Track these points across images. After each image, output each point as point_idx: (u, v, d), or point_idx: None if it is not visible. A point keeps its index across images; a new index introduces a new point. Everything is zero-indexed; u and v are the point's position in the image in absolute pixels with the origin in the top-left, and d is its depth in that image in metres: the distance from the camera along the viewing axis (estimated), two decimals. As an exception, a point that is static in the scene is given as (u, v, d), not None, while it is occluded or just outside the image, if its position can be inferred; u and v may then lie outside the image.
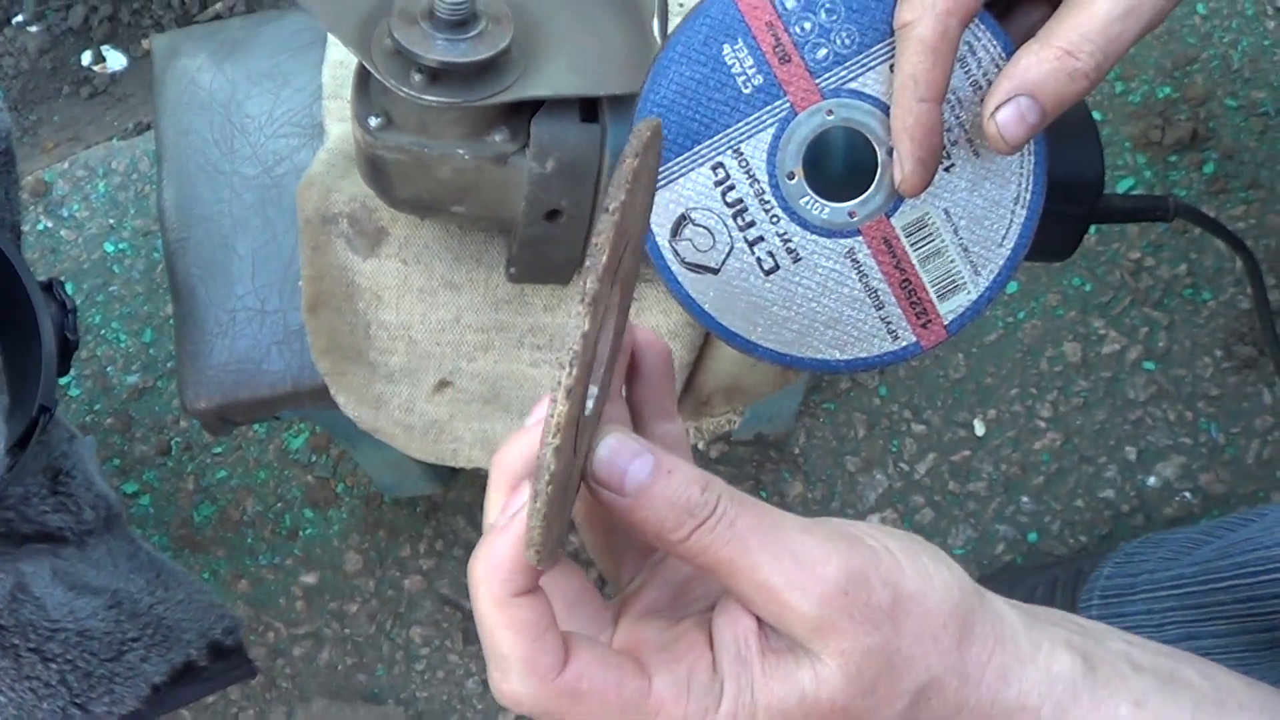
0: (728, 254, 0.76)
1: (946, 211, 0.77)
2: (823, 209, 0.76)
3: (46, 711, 0.97)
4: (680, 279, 0.76)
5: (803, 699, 0.56)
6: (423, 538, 1.57)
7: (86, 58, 1.86)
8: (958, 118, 0.75)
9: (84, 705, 0.99)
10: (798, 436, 1.57)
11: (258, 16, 1.17)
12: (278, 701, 1.53)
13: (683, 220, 0.76)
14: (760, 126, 0.75)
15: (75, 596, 1.00)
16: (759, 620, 0.57)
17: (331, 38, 1.06)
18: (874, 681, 0.56)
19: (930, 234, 0.77)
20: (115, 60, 1.86)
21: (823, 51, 0.75)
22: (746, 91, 0.75)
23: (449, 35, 0.81)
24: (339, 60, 1.07)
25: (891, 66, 0.74)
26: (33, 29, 1.87)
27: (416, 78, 0.82)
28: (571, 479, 0.54)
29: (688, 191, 0.75)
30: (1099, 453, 1.55)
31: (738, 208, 0.76)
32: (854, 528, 0.58)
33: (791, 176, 0.75)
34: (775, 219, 0.76)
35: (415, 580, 1.55)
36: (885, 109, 0.75)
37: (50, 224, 1.72)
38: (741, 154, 0.75)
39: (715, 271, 0.76)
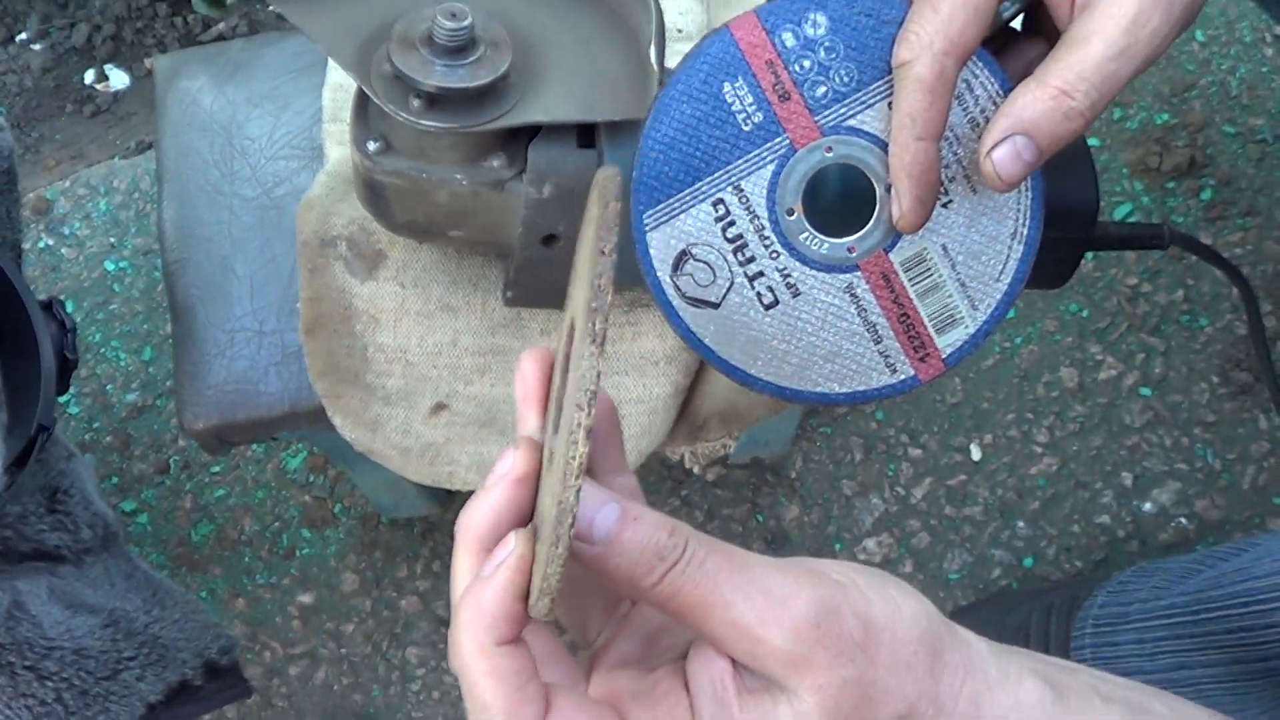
0: (728, 289, 0.77)
1: (944, 247, 0.77)
2: (822, 244, 0.76)
3: (42, 729, 0.97)
4: (681, 313, 0.77)
5: None
6: (419, 558, 1.57)
7: (89, 76, 1.87)
8: (955, 154, 0.76)
9: (79, 723, 0.99)
10: (794, 460, 1.57)
11: (259, 39, 1.17)
12: (273, 720, 1.54)
13: (684, 256, 0.76)
14: (760, 163, 0.75)
15: (72, 615, 1.01)
16: (733, 661, 0.57)
17: (331, 61, 1.07)
18: (852, 713, 0.56)
19: (928, 269, 0.77)
20: (118, 79, 1.86)
21: (822, 89, 0.75)
22: (747, 129, 0.75)
23: (447, 61, 0.81)
24: (339, 83, 1.07)
25: (890, 104, 0.74)
26: (36, 47, 1.88)
27: (415, 103, 0.82)
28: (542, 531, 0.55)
29: (689, 227, 0.76)
30: (1095, 478, 1.55)
31: (738, 243, 0.76)
32: (820, 564, 0.58)
33: (791, 212, 0.76)
34: (775, 254, 0.76)
35: (412, 601, 1.56)
36: (884, 146, 0.75)
37: (51, 242, 1.73)
38: (742, 190, 0.76)
39: (716, 306, 0.77)
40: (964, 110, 0.75)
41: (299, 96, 1.12)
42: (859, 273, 0.77)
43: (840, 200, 0.77)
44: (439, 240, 0.94)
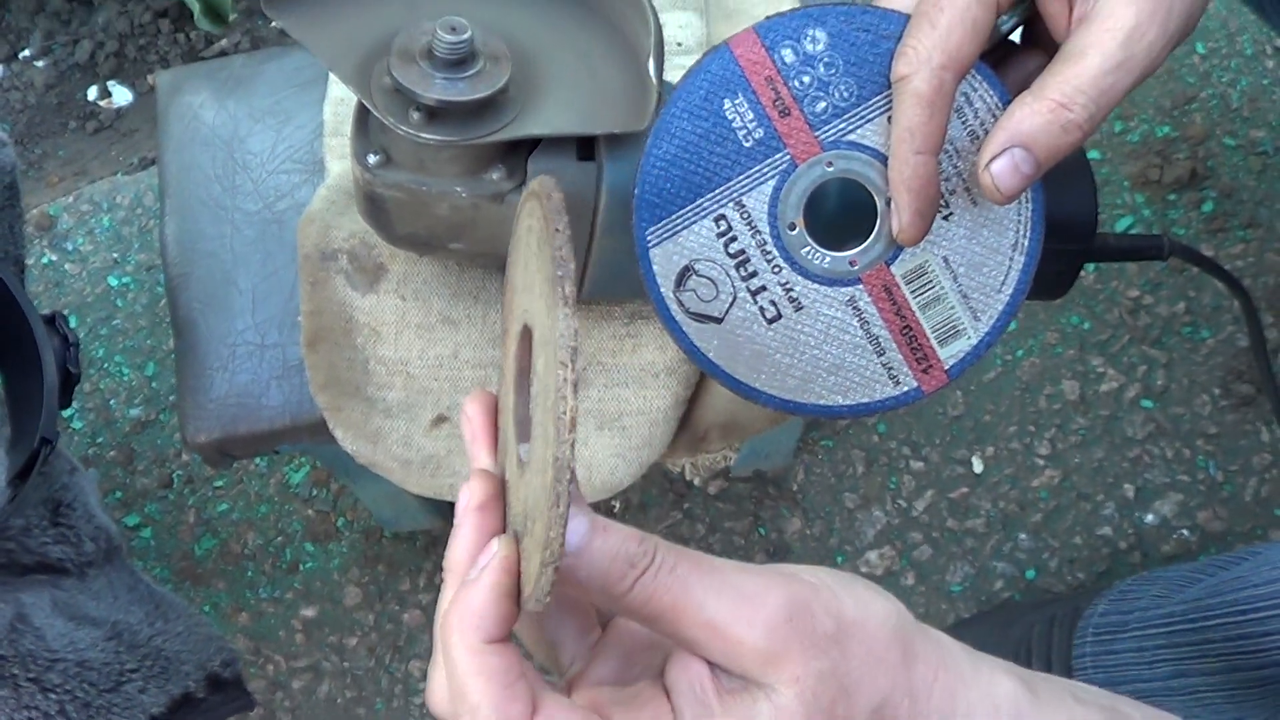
0: (731, 304, 0.77)
1: (945, 259, 0.77)
2: (824, 258, 0.77)
3: (45, 742, 0.97)
4: (684, 328, 0.77)
5: None
6: (422, 572, 1.57)
7: (92, 93, 1.87)
8: (955, 167, 0.76)
9: (82, 736, 0.99)
10: (796, 473, 1.57)
11: (260, 54, 1.18)
12: (277, 734, 1.54)
13: (686, 271, 0.76)
14: (761, 179, 0.76)
15: (75, 627, 1.01)
16: (710, 664, 0.58)
17: (332, 76, 1.07)
18: (831, 705, 0.57)
19: (930, 281, 0.78)
20: (121, 95, 1.87)
21: (822, 105, 0.75)
22: (747, 145, 0.75)
23: (447, 74, 0.81)
24: (340, 98, 1.07)
25: (889, 118, 0.74)
26: (39, 64, 1.88)
27: (415, 116, 0.82)
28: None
29: (691, 243, 0.76)
30: (1097, 490, 1.55)
31: (740, 258, 0.76)
32: (789, 567, 0.59)
33: (793, 227, 0.76)
34: (777, 269, 0.76)
35: (414, 614, 1.56)
36: (884, 160, 0.75)
37: (55, 257, 1.73)
38: (743, 206, 0.76)
39: (719, 321, 0.77)
40: (963, 123, 0.75)
41: (300, 111, 1.12)
42: (861, 286, 0.77)
43: (841, 214, 0.77)
44: (439, 253, 0.94)
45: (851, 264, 0.77)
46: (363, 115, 0.87)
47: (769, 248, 0.76)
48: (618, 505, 1.57)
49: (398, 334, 0.99)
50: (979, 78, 0.75)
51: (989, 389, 1.59)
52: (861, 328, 0.78)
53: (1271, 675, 1.07)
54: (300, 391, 1.04)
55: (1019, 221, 0.77)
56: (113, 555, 1.09)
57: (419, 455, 1.02)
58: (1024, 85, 0.72)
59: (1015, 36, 0.78)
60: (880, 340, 0.78)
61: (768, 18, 0.76)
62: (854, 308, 0.77)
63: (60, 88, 1.88)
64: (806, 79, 0.75)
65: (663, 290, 0.77)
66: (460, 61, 0.81)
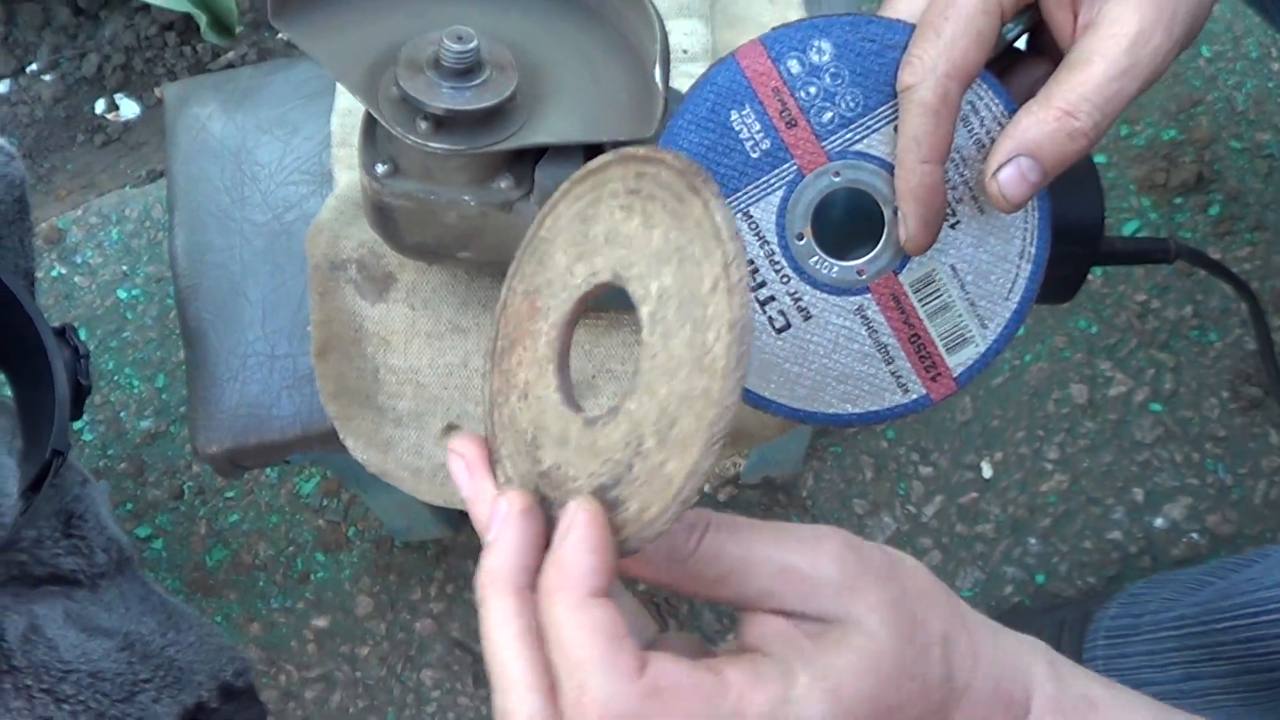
0: None
1: (953, 267, 0.78)
2: (832, 268, 0.77)
3: (59, 753, 0.98)
4: None
5: (867, 659, 0.57)
6: (433, 581, 1.57)
7: (100, 106, 1.88)
8: (962, 175, 0.76)
9: (96, 747, 1.00)
10: (805, 480, 1.58)
11: (268, 65, 1.18)
12: (289, 744, 1.54)
13: None
14: (769, 189, 0.76)
15: (88, 638, 1.01)
16: (786, 615, 0.58)
17: (340, 86, 1.08)
18: (911, 630, 0.58)
19: (937, 289, 0.78)
20: (128, 108, 1.87)
21: (828, 115, 0.76)
22: (754, 156, 0.76)
23: (454, 84, 0.82)
24: (347, 108, 1.08)
25: (896, 127, 0.75)
26: (47, 77, 1.89)
27: (422, 125, 0.83)
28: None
29: None
30: (1106, 494, 1.55)
31: (749, 269, 0.76)
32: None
33: (800, 237, 0.76)
34: (786, 279, 0.77)
35: (426, 623, 1.56)
36: (890, 169, 0.75)
37: (64, 270, 1.74)
38: (751, 216, 0.76)
39: None
40: (969, 132, 0.76)
41: (308, 122, 1.12)
42: (869, 294, 0.77)
43: (849, 223, 0.78)
44: (448, 262, 0.94)
45: (859, 273, 0.77)
46: (370, 125, 0.88)
47: (777, 258, 0.76)
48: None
49: (407, 343, 0.99)
50: (984, 86, 0.75)
51: (997, 394, 1.59)
52: (870, 336, 0.78)
53: (1283, 677, 1.08)
54: (311, 401, 1.04)
55: (1026, 229, 0.78)
56: (124, 566, 1.10)
57: (430, 464, 1.02)
58: (1030, 92, 0.73)
59: (1020, 43, 0.78)
60: (889, 348, 0.78)
61: (774, 29, 0.76)
62: (862, 316, 0.78)
63: (68, 101, 1.88)
64: (813, 89, 0.75)
65: None
66: (467, 71, 0.82)
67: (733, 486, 1.57)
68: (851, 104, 0.75)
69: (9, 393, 1.06)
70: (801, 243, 0.76)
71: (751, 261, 0.76)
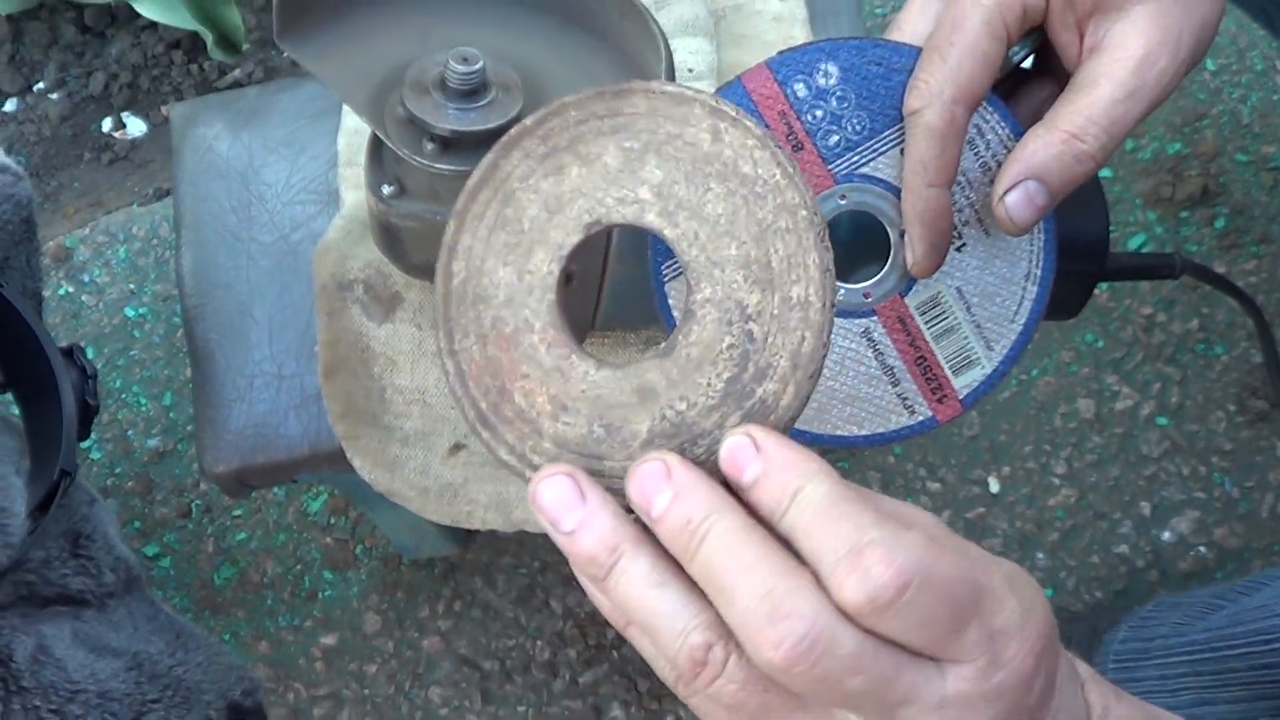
0: None
1: (959, 290, 0.78)
2: (838, 290, 0.77)
3: (68, 773, 0.98)
4: None
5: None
6: (441, 598, 1.57)
7: (107, 124, 1.88)
8: (968, 198, 0.76)
9: (104, 767, 1.00)
10: (813, 494, 1.57)
11: (274, 85, 1.18)
12: (297, 762, 1.54)
13: None
14: None
15: (96, 658, 1.01)
16: None
17: (346, 106, 1.08)
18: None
19: (944, 312, 0.78)
20: (135, 126, 1.88)
21: (835, 138, 0.76)
22: None
23: (460, 105, 0.82)
24: (354, 128, 1.08)
25: (902, 151, 0.75)
26: (53, 96, 1.89)
27: (428, 146, 0.83)
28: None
29: None
30: (1113, 508, 1.55)
31: None
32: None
33: (807, 260, 0.76)
34: None
35: (434, 641, 1.56)
36: (897, 192, 0.76)
37: (71, 289, 1.74)
38: None
39: None
40: (975, 155, 0.76)
41: (314, 142, 1.13)
42: (875, 317, 0.78)
43: (855, 246, 0.78)
44: (454, 282, 0.94)
45: (866, 295, 0.77)
46: (377, 146, 0.88)
47: (784, 280, 0.77)
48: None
49: (414, 362, 0.99)
50: (990, 109, 0.75)
51: (1004, 409, 1.59)
52: (876, 359, 0.78)
53: (1296, 704, 1.07)
54: (318, 421, 1.04)
55: (1032, 251, 0.78)
56: (132, 586, 1.10)
57: (436, 483, 1.02)
58: (1036, 115, 0.73)
59: (1026, 64, 0.79)
60: (895, 371, 0.78)
61: (780, 52, 0.76)
62: (869, 339, 0.78)
63: (75, 120, 1.89)
64: (819, 113, 0.75)
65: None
66: (473, 92, 0.82)
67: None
68: (858, 127, 0.76)
69: (17, 413, 1.06)
70: None
71: None
